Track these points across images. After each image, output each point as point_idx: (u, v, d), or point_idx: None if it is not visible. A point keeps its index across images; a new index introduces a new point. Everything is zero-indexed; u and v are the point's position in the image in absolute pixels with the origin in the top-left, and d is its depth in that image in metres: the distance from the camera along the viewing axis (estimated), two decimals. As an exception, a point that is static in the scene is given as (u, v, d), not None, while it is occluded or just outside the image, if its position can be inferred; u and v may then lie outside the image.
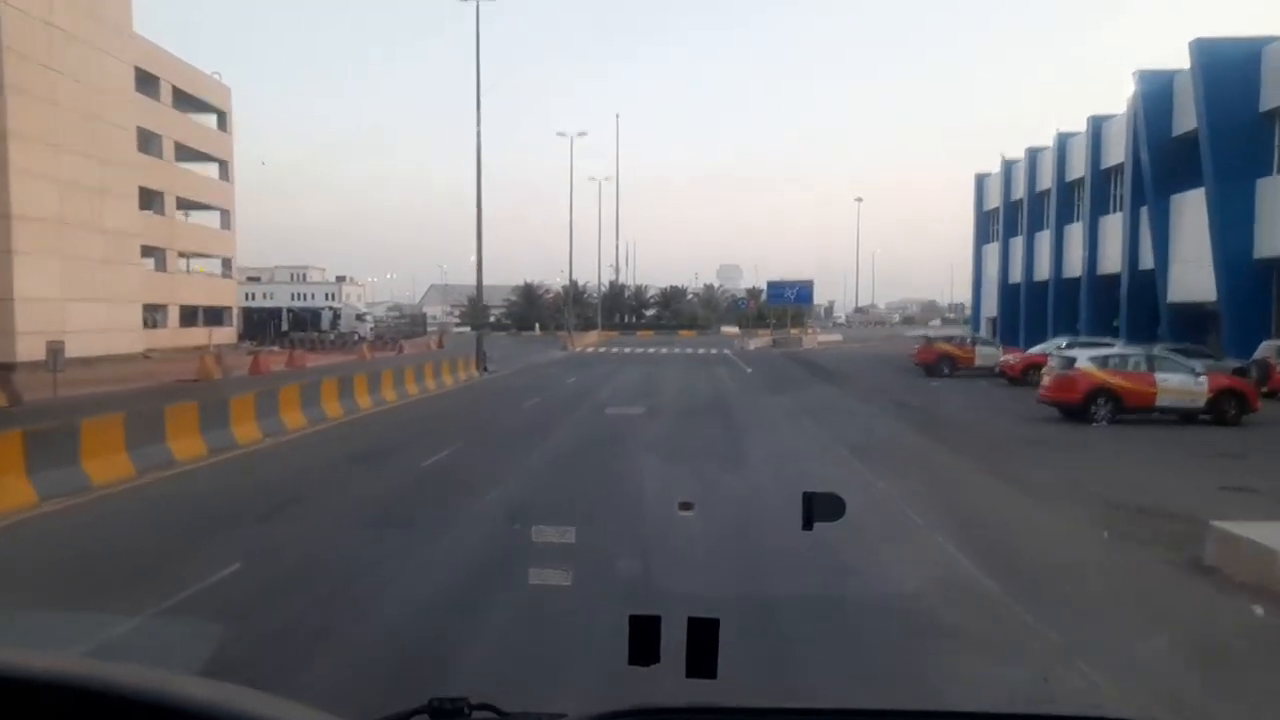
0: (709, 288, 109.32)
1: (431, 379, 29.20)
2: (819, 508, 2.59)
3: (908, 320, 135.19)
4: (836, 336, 75.19)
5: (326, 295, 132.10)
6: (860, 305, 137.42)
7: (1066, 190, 44.95)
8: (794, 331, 74.76)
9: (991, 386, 31.77)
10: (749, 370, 38.89)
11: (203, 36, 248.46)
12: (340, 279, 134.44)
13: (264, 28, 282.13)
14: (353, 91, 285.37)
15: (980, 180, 56.20)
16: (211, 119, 60.68)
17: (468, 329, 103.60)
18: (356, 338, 65.80)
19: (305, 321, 74.02)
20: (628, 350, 57.57)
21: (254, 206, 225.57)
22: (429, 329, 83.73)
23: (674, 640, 1.88)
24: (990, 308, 54.33)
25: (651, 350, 57.19)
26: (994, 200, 54.32)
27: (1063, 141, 44.98)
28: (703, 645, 1.85)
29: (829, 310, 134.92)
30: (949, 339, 37.42)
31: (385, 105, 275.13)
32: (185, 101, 55.92)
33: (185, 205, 57.06)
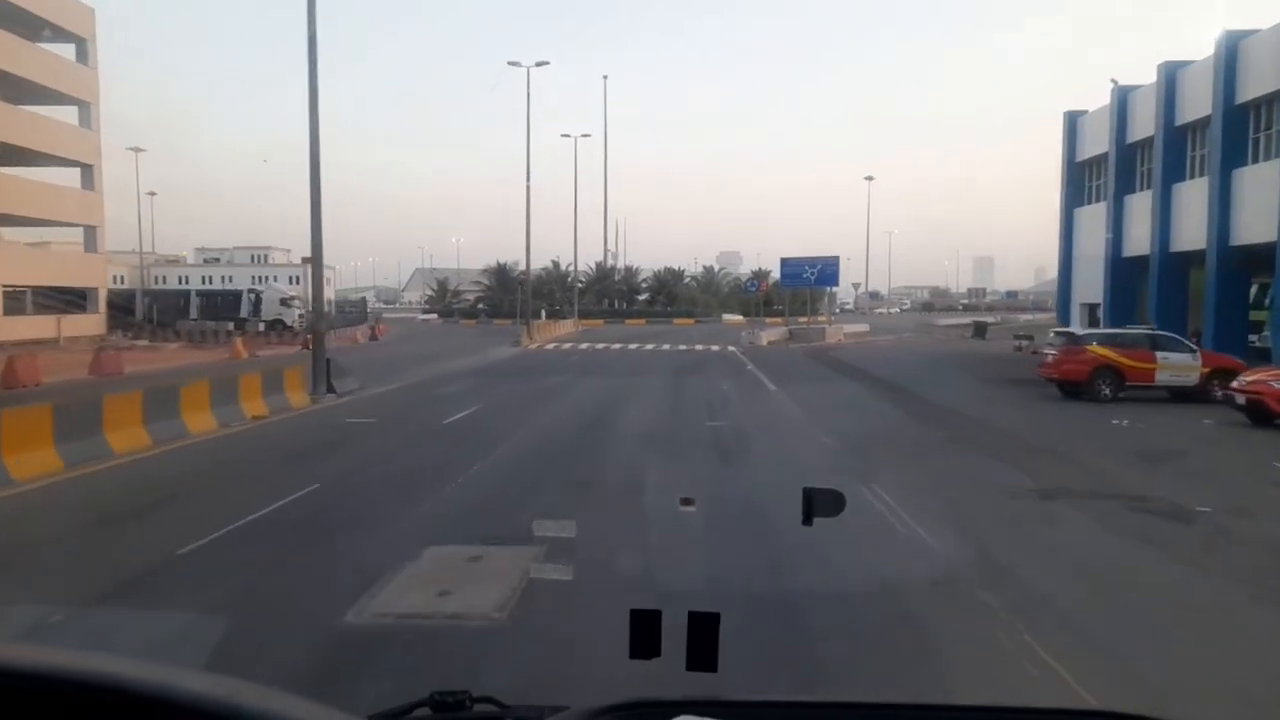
0: (708, 270, 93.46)
1: (130, 429, 13.63)
2: (819, 503, 2.44)
3: (928, 307, 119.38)
4: (862, 327, 59.55)
5: (291, 279, 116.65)
6: (873, 291, 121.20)
7: (1236, 118, 29.23)
8: (809, 321, 59.25)
9: (1230, 429, 16.35)
10: (772, 387, 23.34)
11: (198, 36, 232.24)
12: (307, 261, 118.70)
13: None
14: (339, 77, 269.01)
15: (1073, 121, 40.35)
16: (68, 49, 45.09)
17: (434, 316, 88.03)
18: (263, 327, 50.59)
19: (219, 307, 58.74)
20: (602, 346, 42.00)
21: (241, 193, 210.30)
22: (374, 314, 67.28)
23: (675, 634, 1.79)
24: (1089, 290, 38.62)
25: (634, 346, 41.62)
26: (1096, 145, 38.54)
27: (1231, 45, 29.21)
28: (704, 639, 1.79)
29: (832, 297, 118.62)
30: (1112, 339, 21.64)
31: (371, 93, 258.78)
32: (17, 19, 40.22)
33: (25, 158, 41.46)
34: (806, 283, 52.89)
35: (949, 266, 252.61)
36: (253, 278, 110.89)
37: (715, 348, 41.10)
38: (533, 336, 44.92)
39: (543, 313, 72.87)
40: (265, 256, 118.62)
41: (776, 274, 65.23)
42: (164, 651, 5.10)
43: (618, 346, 41.68)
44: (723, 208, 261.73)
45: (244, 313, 58.18)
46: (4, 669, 1.06)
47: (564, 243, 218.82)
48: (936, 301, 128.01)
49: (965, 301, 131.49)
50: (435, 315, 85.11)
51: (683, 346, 41.38)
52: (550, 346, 41.95)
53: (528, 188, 45.19)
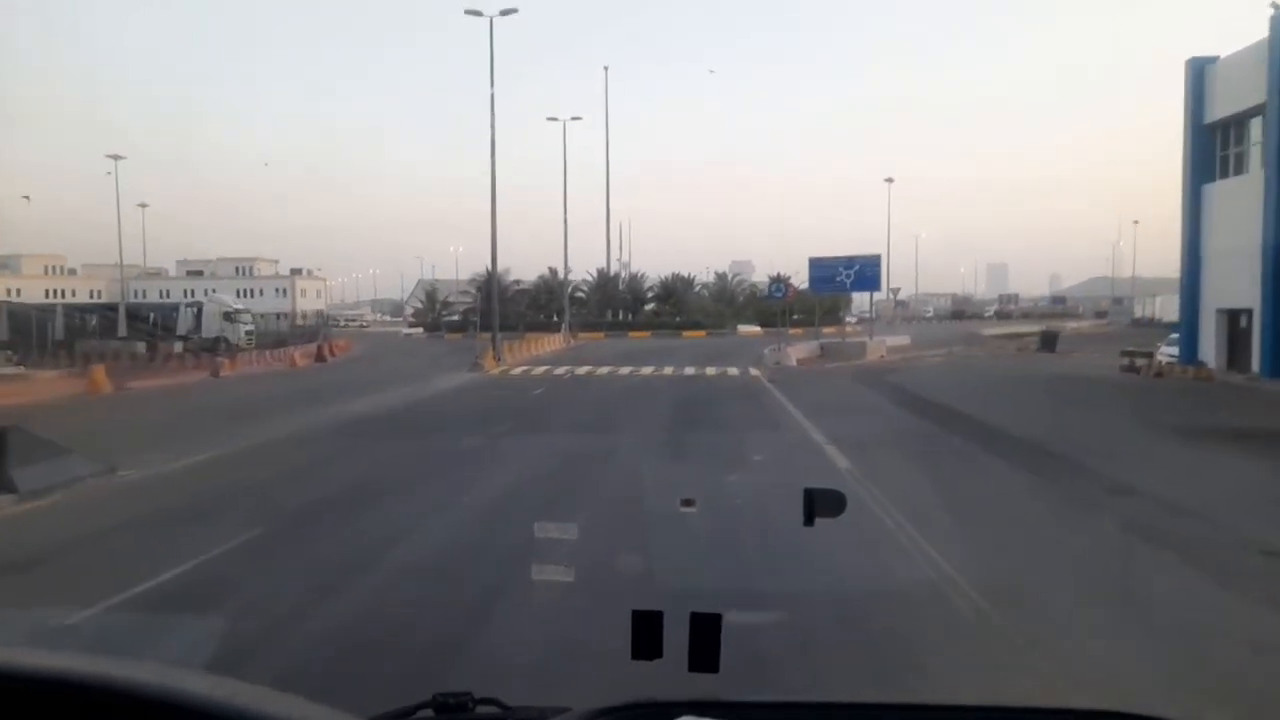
0: (721, 277, 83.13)
1: None
2: (820, 503, 2.35)
3: (958, 314, 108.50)
4: (903, 338, 49.05)
5: (278, 291, 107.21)
6: (899, 299, 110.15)
7: None
8: (842, 332, 49.17)
9: None
10: (840, 459, 12.88)
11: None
12: (295, 272, 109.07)
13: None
14: (341, 89, 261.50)
15: (1200, 71, 29.87)
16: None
17: (419, 330, 78.07)
18: (178, 347, 40.72)
19: (153, 322, 49.02)
20: (585, 370, 31.78)
21: (239, 203, 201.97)
22: (324, 331, 56.95)
23: (677, 635, 1.74)
24: (1229, 292, 28.11)
25: (627, 370, 31.44)
26: (1240, 98, 28.08)
27: None
28: (705, 640, 1.75)
29: (848, 305, 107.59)
30: None
31: (375, 102, 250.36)
32: None
33: None
34: (841, 287, 42.69)
35: (964, 273, 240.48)
36: (237, 291, 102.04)
37: (733, 370, 30.90)
38: (501, 357, 34.76)
39: (564, 326, 63.43)
40: (250, 268, 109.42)
41: (793, 279, 54.95)
42: (165, 653, 4.71)
43: (606, 370, 31.45)
44: (731, 215, 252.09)
45: (182, 329, 48.61)
46: (7, 672, 1.04)
47: (574, 250, 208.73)
48: (966, 309, 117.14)
49: (995, 308, 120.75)
50: (420, 329, 75.29)
51: (690, 370, 31.16)
52: (518, 371, 31.72)
53: (492, 163, 35.21)
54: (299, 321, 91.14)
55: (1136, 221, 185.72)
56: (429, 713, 1.53)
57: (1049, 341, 44.40)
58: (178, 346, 40.35)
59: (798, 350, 38.15)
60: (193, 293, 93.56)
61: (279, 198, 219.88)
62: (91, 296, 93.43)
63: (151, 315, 50.85)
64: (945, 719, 1.55)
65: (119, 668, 1.06)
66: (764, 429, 16.54)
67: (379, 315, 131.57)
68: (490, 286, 41.45)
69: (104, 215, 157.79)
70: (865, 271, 41.24)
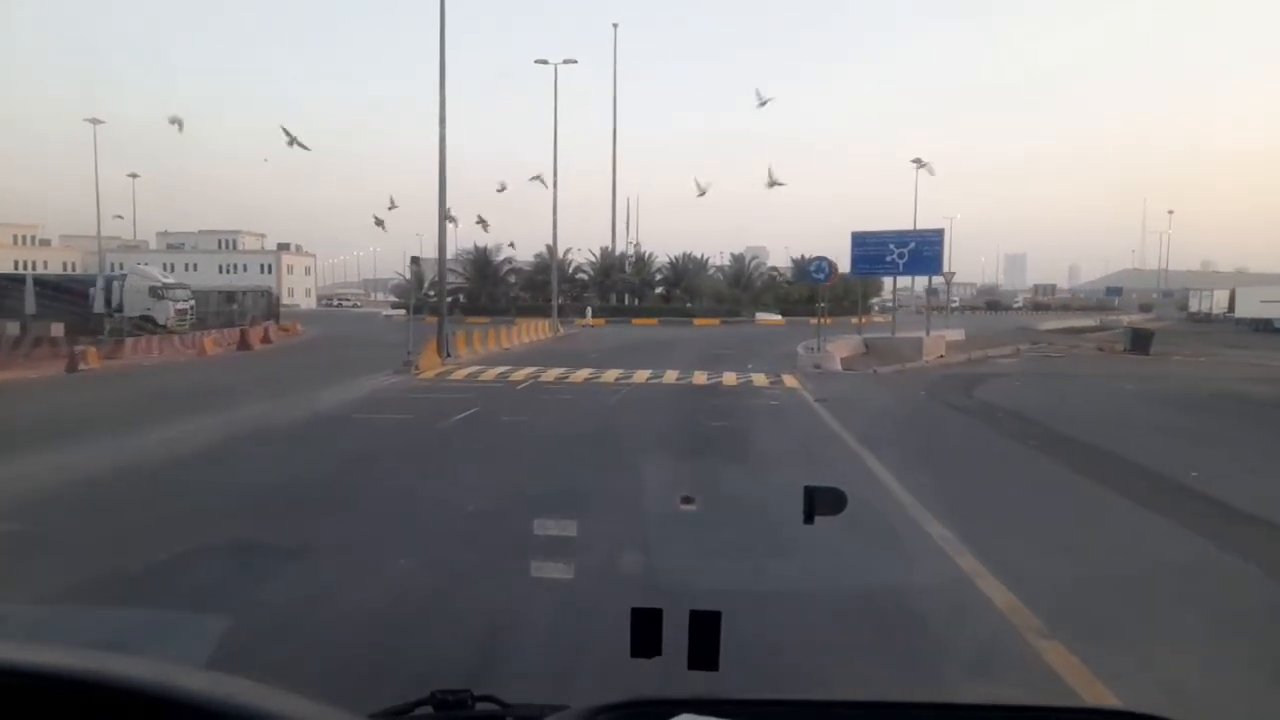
0: (738, 259, 74.06)
1: None
2: (820, 501, 2.25)
3: (993, 305, 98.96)
4: (958, 333, 40.06)
5: (262, 267, 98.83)
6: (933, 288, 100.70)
7: None
8: (860, 321, 40.25)
9: None
10: None
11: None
12: (282, 247, 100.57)
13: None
14: (338, 69, 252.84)
15: None
16: None
17: (401, 313, 69.44)
18: (54, 330, 32.13)
19: (64, 299, 40.61)
20: (556, 374, 22.82)
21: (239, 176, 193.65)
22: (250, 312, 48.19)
23: (676, 634, 1.71)
24: None
25: (613, 376, 22.61)
26: None
27: None
28: (705, 638, 1.72)
29: (865, 291, 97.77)
30: None
31: (377, 81, 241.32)
32: None
33: None
34: (891, 269, 33.64)
35: (984, 262, 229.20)
36: (219, 266, 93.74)
37: (760, 378, 22.09)
38: (451, 351, 25.96)
39: (588, 311, 55.22)
40: (233, 242, 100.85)
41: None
42: (165, 650, 4.46)
43: (585, 374, 22.58)
44: (744, 200, 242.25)
45: (98, 306, 40.32)
46: (5, 667, 1.02)
47: (578, 233, 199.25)
48: (998, 299, 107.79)
49: (1026, 298, 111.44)
50: (402, 311, 66.56)
51: (701, 375, 22.35)
52: (463, 373, 22.83)
53: (441, 104, 26.36)
54: (286, 300, 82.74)
55: (1171, 211, 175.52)
56: (428, 709, 1.50)
57: (1141, 341, 35.41)
58: (55, 329, 31.76)
59: (839, 346, 29.33)
60: (172, 267, 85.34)
61: (278, 174, 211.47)
62: (65, 268, 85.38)
63: (76, 289, 42.58)
64: (945, 719, 1.49)
65: (120, 664, 1.01)
66: (854, 559, 7.70)
67: (373, 295, 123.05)
68: (440, 261, 32.56)
69: (94, 186, 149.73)
70: (923, 251, 32.22)
